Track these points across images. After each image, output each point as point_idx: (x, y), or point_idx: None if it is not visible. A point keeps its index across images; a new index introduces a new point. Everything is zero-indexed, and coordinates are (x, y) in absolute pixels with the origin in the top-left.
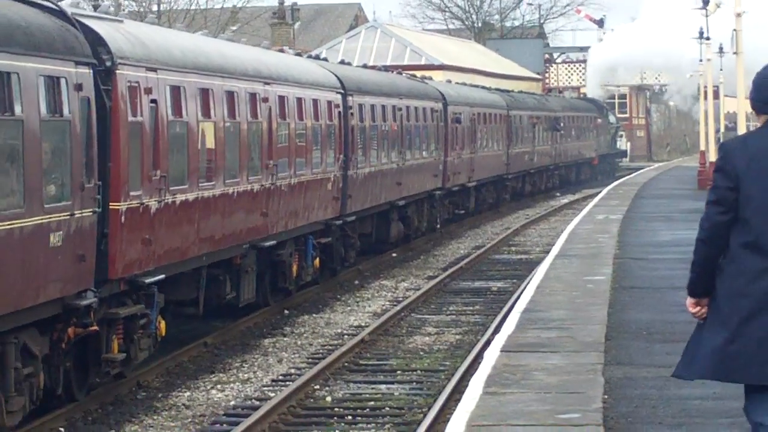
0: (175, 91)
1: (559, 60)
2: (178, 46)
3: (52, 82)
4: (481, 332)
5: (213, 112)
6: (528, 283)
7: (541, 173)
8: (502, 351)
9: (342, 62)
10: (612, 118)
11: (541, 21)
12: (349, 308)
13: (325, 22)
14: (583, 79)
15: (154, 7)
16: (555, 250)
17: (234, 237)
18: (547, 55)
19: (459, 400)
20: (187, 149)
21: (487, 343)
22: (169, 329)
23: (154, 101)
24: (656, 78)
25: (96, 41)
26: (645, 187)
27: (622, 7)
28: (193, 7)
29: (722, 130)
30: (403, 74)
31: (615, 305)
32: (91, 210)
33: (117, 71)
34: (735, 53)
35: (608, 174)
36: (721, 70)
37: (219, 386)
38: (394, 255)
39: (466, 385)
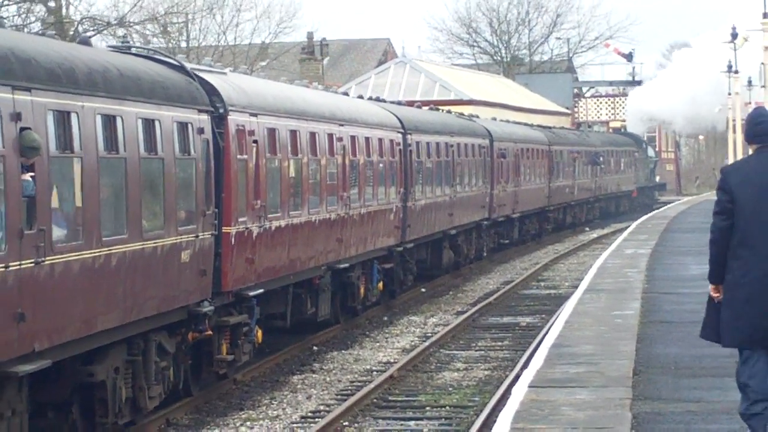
0: (271, 132)
1: (588, 94)
2: (272, 94)
3: (182, 127)
4: (509, 368)
5: (299, 150)
6: (556, 318)
7: (581, 206)
8: (530, 386)
9: (399, 103)
10: (651, 152)
11: (570, 55)
12: (377, 344)
13: (354, 58)
14: (613, 114)
15: (183, 44)
16: (584, 285)
17: (315, 259)
18: (576, 90)
19: None
20: (280, 182)
21: (516, 379)
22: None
23: (255, 141)
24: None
25: (210, 91)
26: (674, 221)
27: (652, 40)
28: (221, 43)
29: None
30: (452, 113)
31: (643, 340)
32: (210, 233)
33: (228, 117)
34: (763, 86)
35: (647, 206)
36: (748, 103)
37: (248, 423)
38: (423, 290)
39: (495, 421)
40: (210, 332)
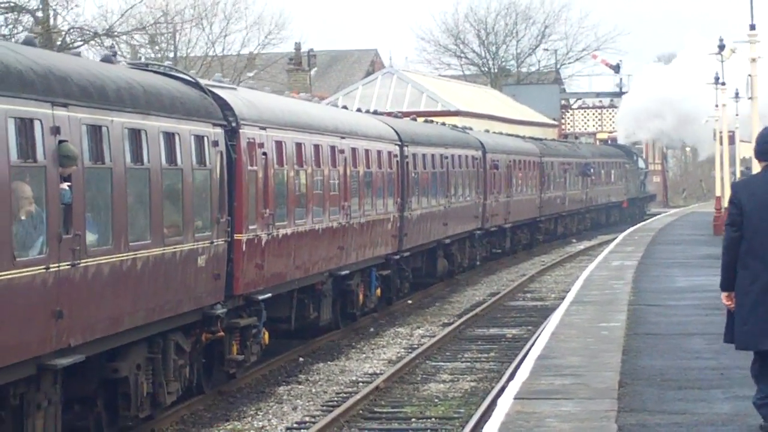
0: (279, 145)
1: (575, 106)
2: (279, 108)
3: (199, 140)
4: (495, 379)
5: (304, 161)
6: (543, 329)
7: (572, 216)
8: (515, 398)
9: (396, 116)
10: (641, 163)
11: (558, 66)
12: (364, 355)
13: (341, 68)
14: (600, 125)
15: (171, 54)
16: (570, 297)
17: (318, 266)
18: (563, 101)
19: None
20: (286, 192)
21: (502, 390)
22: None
23: (264, 153)
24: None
25: (223, 106)
26: (660, 233)
27: (639, 52)
28: (209, 53)
29: (738, 175)
30: (447, 125)
31: (629, 352)
32: (223, 239)
33: (240, 130)
34: (750, 98)
35: (637, 217)
36: (737, 115)
37: None
38: (409, 302)
39: None
40: (222, 333)
